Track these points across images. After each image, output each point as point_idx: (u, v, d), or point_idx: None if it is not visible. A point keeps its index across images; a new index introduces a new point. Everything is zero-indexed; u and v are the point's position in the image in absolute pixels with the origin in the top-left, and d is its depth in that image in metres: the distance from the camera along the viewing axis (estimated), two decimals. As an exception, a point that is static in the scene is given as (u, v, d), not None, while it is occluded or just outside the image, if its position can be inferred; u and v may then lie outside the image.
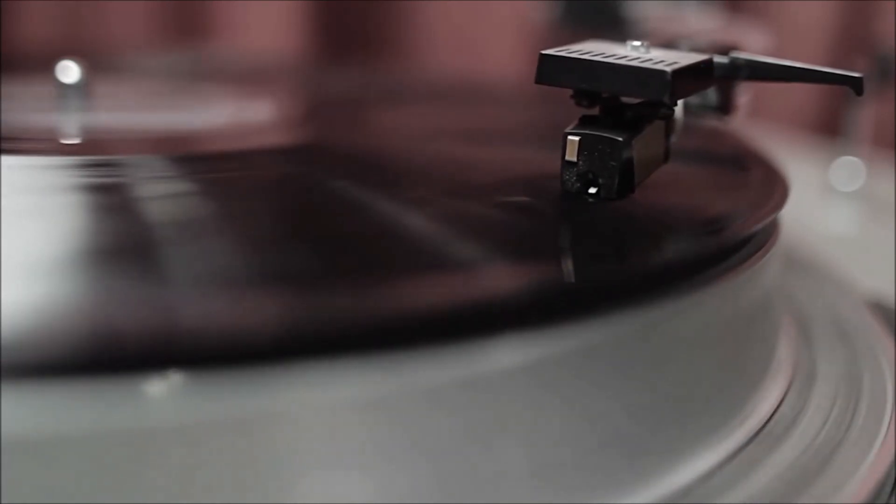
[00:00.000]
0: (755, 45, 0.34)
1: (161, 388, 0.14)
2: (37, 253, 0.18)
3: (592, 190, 0.22)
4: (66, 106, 0.32)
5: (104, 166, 0.26)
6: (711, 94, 0.28)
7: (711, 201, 0.24)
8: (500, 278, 0.18)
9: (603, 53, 0.22)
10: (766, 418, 0.22)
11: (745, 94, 0.29)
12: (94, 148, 0.30)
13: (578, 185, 0.22)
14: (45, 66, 0.33)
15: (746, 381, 0.22)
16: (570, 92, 0.23)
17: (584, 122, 0.23)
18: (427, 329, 0.16)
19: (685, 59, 0.22)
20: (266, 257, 0.19)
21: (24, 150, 0.28)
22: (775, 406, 0.22)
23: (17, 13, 0.65)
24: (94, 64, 0.34)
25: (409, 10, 0.69)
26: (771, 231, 0.24)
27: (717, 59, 0.23)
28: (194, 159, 0.27)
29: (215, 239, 0.20)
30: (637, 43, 0.23)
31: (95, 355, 0.14)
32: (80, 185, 0.24)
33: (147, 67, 0.46)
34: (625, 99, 0.23)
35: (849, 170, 0.45)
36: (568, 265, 0.20)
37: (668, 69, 0.21)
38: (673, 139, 0.24)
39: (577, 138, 0.22)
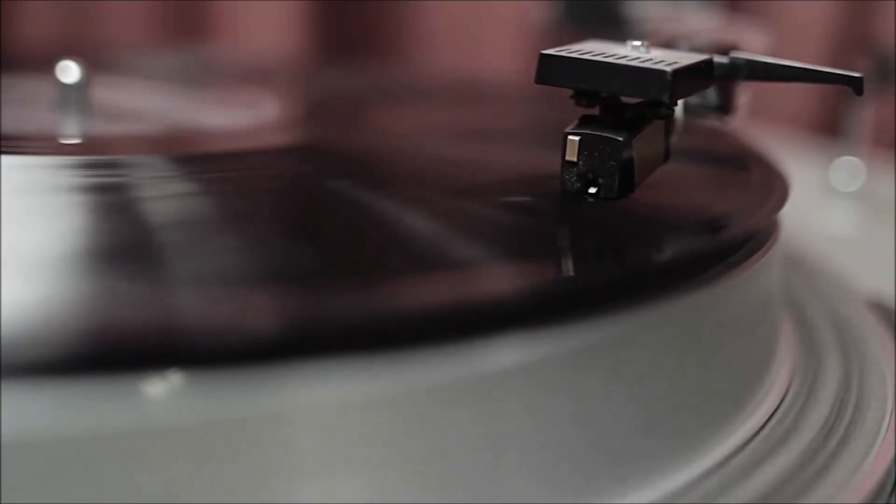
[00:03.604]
0: (755, 45, 0.34)
1: (161, 388, 0.14)
2: (37, 253, 0.18)
3: (592, 190, 0.22)
4: (66, 106, 0.32)
5: (104, 166, 0.26)
6: (711, 94, 0.28)
7: (711, 201, 0.24)
8: (500, 278, 0.18)
9: (603, 53, 0.22)
10: (765, 418, 0.22)
11: (745, 94, 0.29)
12: (95, 148, 0.30)
13: (578, 184, 0.22)
14: (45, 66, 0.33)
15: (746, 381, 0.22)
16: (570, 92, 0.23)
17: (584, 121, 0.23)
18: (427, 329, 0.16)
19: (685, 58, 0.22)
20: (266, 257, 0.19)
21: (24, 150, 0.28)
22: (775, 406, 0.22)
23: (17, 13, 0.65)
24: (94, 64, 0.34)
25: (409, 10, 0.69)
26: (771, 231, 0.24)
27: (717, 58, 0.23)
28: (195, 159, 0.27)
29: (215, 239, 0.20)
30: (637, 43, 0.23)
31: (96, 355, 0.14)
32: (80, 185, 0.24)
33: (147, 67, 0.46)
34: (625, 99, 0.23)
35: (849, 170, 0.45)
36: (568, 265, 0.20)
37: (669, 69, 0.21)
38: (673, 139, 0.24)
39: (576, 138, 0.22)
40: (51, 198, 0.22)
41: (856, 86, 0.23)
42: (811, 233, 0.36)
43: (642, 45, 0.23)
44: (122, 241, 0.20)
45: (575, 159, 0.22)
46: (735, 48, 0.25)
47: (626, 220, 0.22)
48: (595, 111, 0.23)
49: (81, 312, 0.16)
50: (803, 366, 0.24)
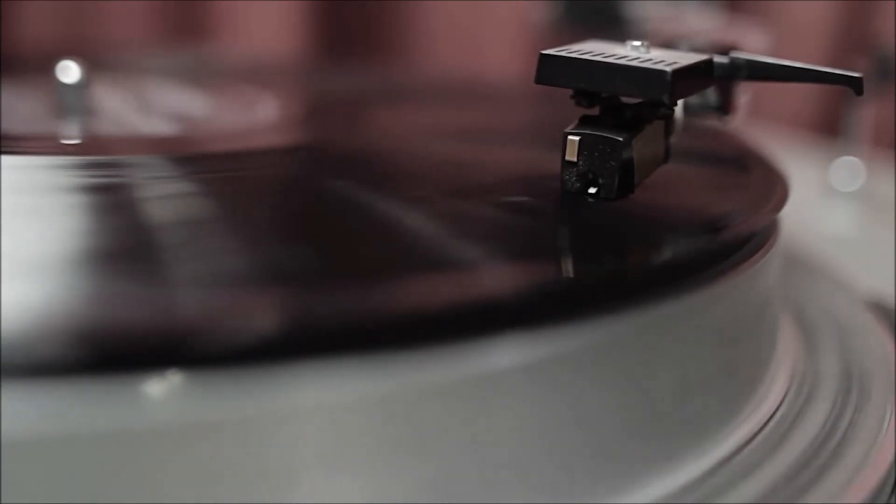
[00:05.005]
0: (755, 45, 0.34)
1: (160, 388, 0.14)
2: (37, 253, 0.18)
3: (592, 190, 0.22)
4: (66, 106, 0.32)
5: (104, 166, 0.26)
6: (711, 94, 0.28)
7: (711, 201, 0.24)
8: (500, 278, 0.18)
9: (603, 53, 0.22)
10: (766, 418, 0.22)
11: (745, 94, 0.29)
12: (94, 148, 0.30)
13: (578, 184, 0.22)
14: (45, 66, 0.33)
15: (746, 382, 0.22)
16: (570, 92, 0.23)
17: (584, 121, 0.23)
18: (427, 329, 0.16)
19: (685, 59, 0.22)
20: (266, 257, 0.19)
21: (24, 150, 0.28)
22: (775, 406, 0.22)
23: (17, 13, 0.65)
24: (94, 64, 0.34)
25: (410, 10, 0.69)
26: (771, 231, 0.24)
27: (717, 58, 0.23)
28: (194, 159, 0.27)
29: (215, 239, 0.20)
30: (637, 43, 0.23)
31: (96, 355, 0.14)
32: (80, 185, 0.24)
33: (147, 67, 0.46)
34: (624, 99, 0.23)
35: (849, 170, 0.45)
36: (567, 265, 0.20)
37: (668, 69, 0.21)
38: (672, 139, 0.24)
39: (576, 138, 0.22)
40: (51, 198, 0.22)
41: (855, 86, 0.23)
42: (811, 233, 0.36)
43: (642, 45, 0.23)
44: (122, 241, 0.20)
45: (575, 159, 0.22)
46: (735, 48, 0.25)
47: (625, 221, 0.22)
48: (595, 111, 0.23)
49: (81, 313, 0.16)
50: (803, 366, 0.24)
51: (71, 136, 0.32)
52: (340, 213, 0.22)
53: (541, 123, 0.34)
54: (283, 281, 0.18)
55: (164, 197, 0.23)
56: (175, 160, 0.26)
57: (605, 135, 0.22)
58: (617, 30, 0.38)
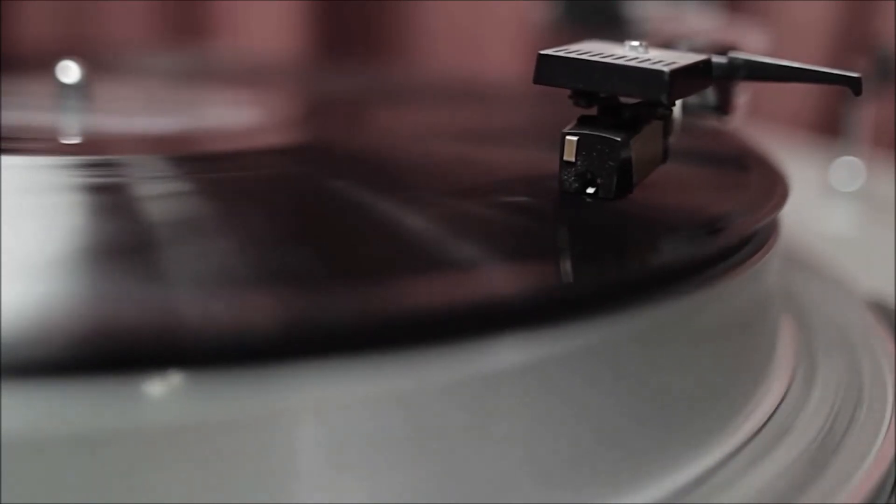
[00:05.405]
0: (754, 45, 0.34)
1: (161, 388, 0.14)
2: (37, 253, 0.18)
3: (591, 190, 0.22)
4: (66, 106, 0.32)
5: (104, 166, 0.26)
6: (710, 94, 0.28)
7: (711, 201, 0.24)
8: (499, 278, 0.18)
9: (601, 53, 0.22)
10: (765, 418, 0.22)
11: (744, 94, 0.29)
12: (94, 148, 0.30)
13: (577, 184, 0.22)
14: (45, 66, 0.33)
15: (746, 382, 0.22)
16: (568, 92, 0.23)
17: (583, 121, 0.23)
18: (426, 329, 0.16)
19: (683, 59, 0.22)
20: (266, 257, 0.19)
21: (24, 150, 0.28)
22: (775, 406, 0.22)
23: (17, 13, 0.65)
24: (94, 64, 0.34)
25: (409, 10, 0.69)
26: (771, 231, 0.24)
27: (716, 58, 0.23)
28: (194, 159, 0.27)
29: (215, 239, 0.20)
30: (635, 43, 0.23)
31: (95, 355, 0.15)
32: (80, 185, 0.24)
33: (147, 67, 0.46)
34: (623, 99, 0.23)
35: (849, 170, 0.45)
36: (566, 265, 0.20)
37: (666, 69, 0.21)
38: (671, 139, 0.24)
39: (575, 138, 0.22)
40: (51, 198, 0.22)
41: (854, 86, 0.23)
42: (811, 233, 0.36)
43: (641, 45, 0.23)
44: (121, 241, 0.20)
45: (573, 159, 0.22)
46: (734, 48, 0.25)
47: (624, 221, 0.22)
48: (593, 111, 0.23)
49: (81, 312, 0.16)
50: (803, 366, 0.24)
51: (71, 136, 0.32)
52: (340, 213, 0.22)
53: (541, 123, 0.34)
54: (282, 281, 0.18)
55: (164, 196, 0.23)
56: (175, 160, 0.26)
57: (604, 135, 0.22)
58: (617, 30, 0.38)
